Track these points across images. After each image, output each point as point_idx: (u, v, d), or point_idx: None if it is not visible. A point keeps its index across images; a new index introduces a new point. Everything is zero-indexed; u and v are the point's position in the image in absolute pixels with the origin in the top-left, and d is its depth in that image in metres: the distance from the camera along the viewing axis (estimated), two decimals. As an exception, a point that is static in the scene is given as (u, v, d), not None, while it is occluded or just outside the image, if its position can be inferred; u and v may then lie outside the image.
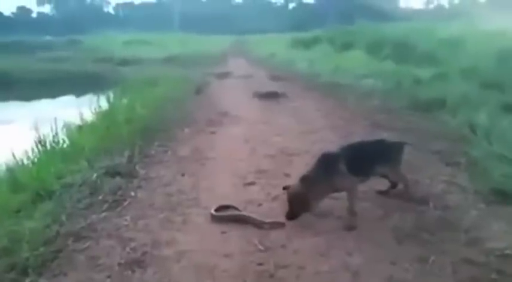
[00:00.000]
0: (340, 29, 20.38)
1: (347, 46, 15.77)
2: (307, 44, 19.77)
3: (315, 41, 19.85)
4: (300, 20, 48.86)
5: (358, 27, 18.86)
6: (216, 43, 29.18)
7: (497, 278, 2.39)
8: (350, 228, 3.04)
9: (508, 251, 2.67)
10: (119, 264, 2.66)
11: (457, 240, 2.85)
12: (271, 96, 8.65)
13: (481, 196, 3.49)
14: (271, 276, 2.53)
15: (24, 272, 2.57)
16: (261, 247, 2.84)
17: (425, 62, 10.34)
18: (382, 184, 3.62)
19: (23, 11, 67.54)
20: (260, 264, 2.65)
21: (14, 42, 25.99)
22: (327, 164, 3.13)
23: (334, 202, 3.36)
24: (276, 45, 22.32)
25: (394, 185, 3.59)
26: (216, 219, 3.24)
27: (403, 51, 12.19)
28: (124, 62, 17.86)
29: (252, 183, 4.00)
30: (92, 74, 15.44)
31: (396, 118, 6.32)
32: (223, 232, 3.06)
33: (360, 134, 5.54)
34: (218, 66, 14.95)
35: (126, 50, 22.09)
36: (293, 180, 3.36)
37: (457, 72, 8.40)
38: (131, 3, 77.81)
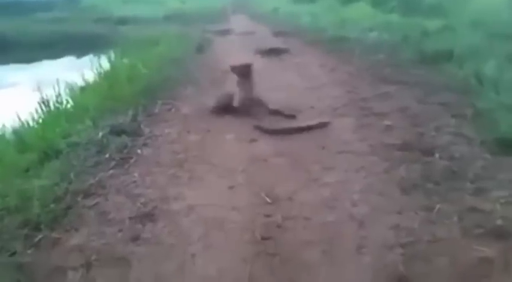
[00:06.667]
0: (345, -19, 19.64)
1: (352, -2, 15.26)
2: (310, -3, 19.13)
3: (319, -6, 19.19)
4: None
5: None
6: (216, -1, 28.34)
7: (502, 224, 2.42)
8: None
9: (513, 199, 2.68)
10: (130, 218, 2.71)
11: (462, 189, 2.86)
12: (274, 52, 8.47)
13: (487, 147, 3.49)
14: (279, 226, 2.58)
15: (37, 228, 2.62)
16: (268, 200, 2.88)
17: (433, 13, 10.04)
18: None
19: (17, -30, 65.58)
20: (268, 215, 2.69)
21: (12, 3, 25.32)
22: None
23: (345, 156, 3.40)
24: (278, -1, 21.62)
25: None
26: None
27: (409, 2, 11.82)
28: (123, 21, 17.33)
29: (254, 140, 4.02)
30: (91, 34, 15.02)
31: (403, 71, 6.20)
32: (230, 187, 3.10)
33: (365, 89, 5.50)
34: (219, 23, 14.56)
35: (124, 8, 21.42)
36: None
37: (464, 23, 8.16)
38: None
